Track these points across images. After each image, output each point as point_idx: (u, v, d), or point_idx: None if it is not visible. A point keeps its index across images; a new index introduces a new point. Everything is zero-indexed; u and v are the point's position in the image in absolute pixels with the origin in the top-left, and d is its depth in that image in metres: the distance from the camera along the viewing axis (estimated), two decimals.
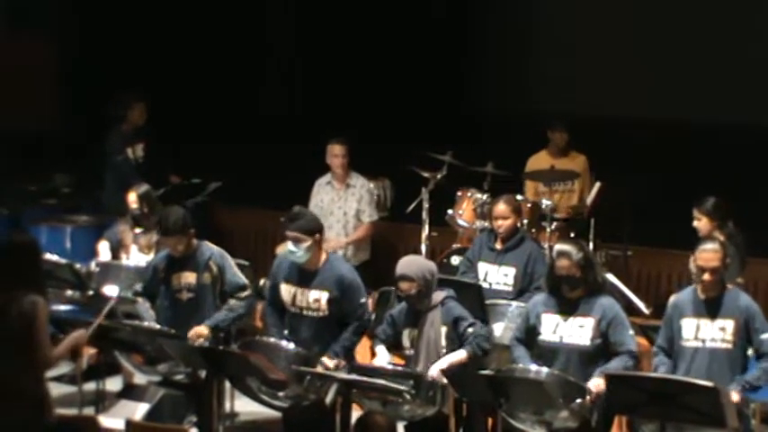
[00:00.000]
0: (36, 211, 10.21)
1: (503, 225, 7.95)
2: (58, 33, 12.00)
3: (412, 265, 6.96)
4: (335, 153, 9.38)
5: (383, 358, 6.96)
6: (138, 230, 8.54)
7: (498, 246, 7.98)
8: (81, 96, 11.34)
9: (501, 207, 7.99)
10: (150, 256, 8.28)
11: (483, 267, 7.98)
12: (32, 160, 11.24)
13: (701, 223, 7.74)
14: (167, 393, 7.26)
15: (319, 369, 6.92)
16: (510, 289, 7.88)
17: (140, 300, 7.51)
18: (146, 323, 7.34)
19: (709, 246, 6.55)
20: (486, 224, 8.64)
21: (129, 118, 10.06)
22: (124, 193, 8.97)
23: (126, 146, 10.00)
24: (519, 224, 8.09)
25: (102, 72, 11.43)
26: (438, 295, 6.92)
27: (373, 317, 7.83)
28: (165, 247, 7.70)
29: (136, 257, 8.47)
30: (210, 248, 7.52)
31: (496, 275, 7.94)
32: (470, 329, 6.82)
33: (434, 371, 6.69)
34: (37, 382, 5.96)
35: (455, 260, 8.68)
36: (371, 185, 9.59)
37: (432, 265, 7.04)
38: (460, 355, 6.79)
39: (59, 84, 12.06)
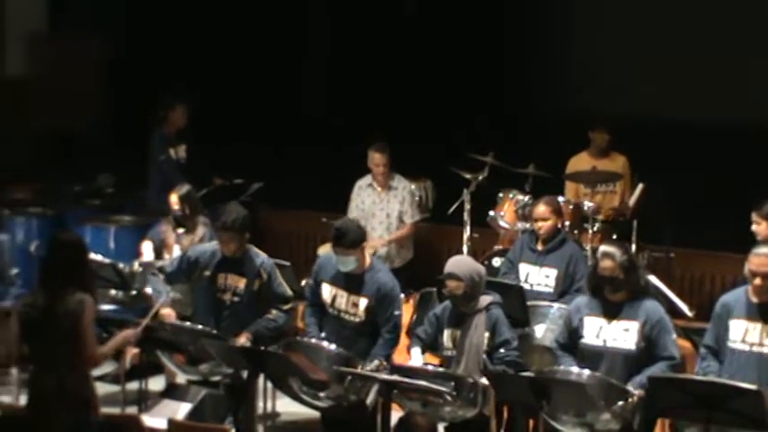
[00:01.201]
0: (80, 212, 10.28)
1: (543, 226, 7.94)
2: (104, 32, 12.09)
3: (461, 264, 6.96)
4: (375, 162, 9.43)
5: (416, 362, 6.95)
6: (180, 231, 8.59)
7: (539, 247, 7.97)
8: (126, 96, 11.40)
9: (541, 208, 7.98)
10: None
11: (524, 268, 7.97)
12: (77, 160, 11.32)
13: (761, 227, 7.59)
14: (209, 393, 7.30)
15: (360, 369, 6.93)
16: (551, 290, 7.86)
17: (158, 275, 7.52)
18: (163, 303, 7.33)
19: (763, 250, 6.44)
20: (528, 225, 8.62)
21: (170, 119, 10.12)
22: (167, 193, 9.02)
23: (168, 147, 10.06)
24: (560, 225, 8.06)
25: (147, 72, 11.50)
26: (484, 299, 6.90)
27: (414, 317, 7.84)
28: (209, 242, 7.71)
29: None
30: (259, 255, 7.52)
31: (537, 276, 7.92)
32: (502, 350, 6.78)
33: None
34: (83, 380, 6.01)
35: (496, 262, 8.67)
36: (413, 186, 9.60)
37: (480, 268, 7.03)
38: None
39: (105, 83, 12.15)
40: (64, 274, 6.04)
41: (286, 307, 7.49)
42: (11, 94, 12.00)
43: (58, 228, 9.77)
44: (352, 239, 7.13)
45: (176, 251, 8.52)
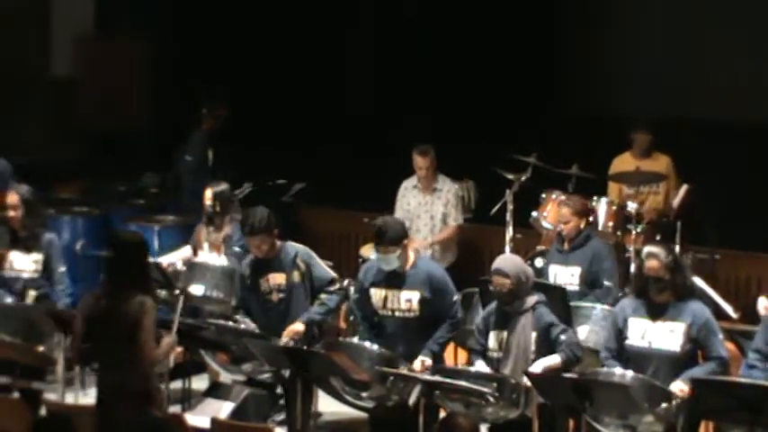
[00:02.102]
0: (124, 211, 10.35)
1: (565, 228, 8.05)
2: (149, 32, 12.17)
3: (509, 262, 6.98)
4: (419, 165, 9.43)
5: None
6: (210, 229, 8.63)
7: (565, 247, 8.04)
8: (171, 96, 11.47)
9: (563, 210, 8.13)
10: (219, 256, 8.36)
11: (553, 269, 8.06)
12: (123, 160, 11.41)
13: None
14: (252, 392, 7.33)
15: (402, 370, 6.93)
16: (577, 288, 7.91)
17: (239, 316, 7.52)
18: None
19: None
20: None
21: (207, 120, 10.19)
22: (200, 193, 9.10)
23: (204, 147, 10.12)
24: (583, 225, 8.11)
25: (192, 71, 11.56)
26: (530, 300, 6.90)
27: None
28: (243, 247, 7.73)
29: (207, 255, 8.54)
30: (295, 247, 7.55)
31: (564, 276, 7.98)
32: (563, 336, 6.79)
33: (533, 371, 6.65)
34: (144, 378, 6.06)
35: (539, 262, 8.65)
36: (457, 187, 9.59)
37: (528, 269, 7.05)
38: (554, 359, 6.76)
39: (151, 83, 12.23)
40: (124, 273, 6.09)
41: (333, 288, 7.50)
42: (58, 94, 12.12)
43: (105, 227, 9.89)
44: (392, 237, 7.14)
45: (206, 249, 8.56)
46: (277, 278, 7.47)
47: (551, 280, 7.92)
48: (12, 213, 7.86)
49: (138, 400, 6.06)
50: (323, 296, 7.46)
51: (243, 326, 7.42)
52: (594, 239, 8.14)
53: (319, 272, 7.50)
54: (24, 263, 7.89)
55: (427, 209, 9.44)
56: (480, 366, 6.92)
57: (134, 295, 6.02)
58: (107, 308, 6.09)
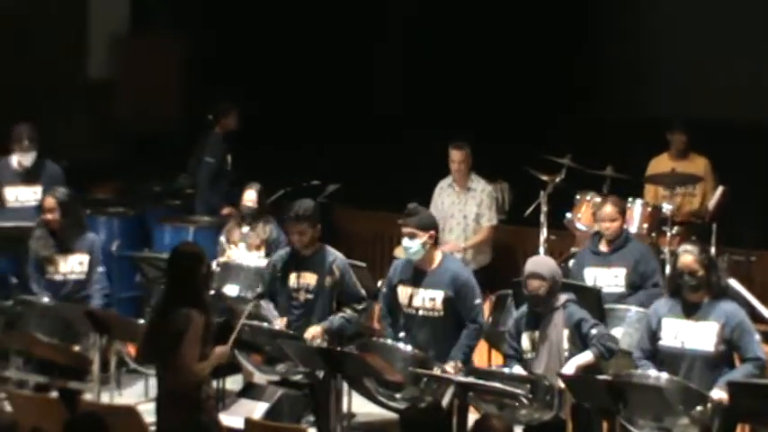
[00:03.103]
0: (160, 212, 10.41)
1: (610, 227, 7.91)
2: (185, 34, 12.24)
3: (543, 264, 6.96)
4: (453, 159, 9.40)
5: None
6: (245, 228, 8.65)
7: (604, 248, 7.94)
8: (206, 97, 11.52)
9: (609, 209, 7.95)
10: (258, 255, 8.38)
11: (591, 272, 7.92)
12: (158, 160, 11.48)
13: None
14: (286, 393, 7.35)
15: (436, 371, 6.93)
16: (622, 290, 7.82)
17: (263, 302, 7.59)
18: (272, 324, 7.40)
19: None
20: None
21: (223, 122, 10.23)
22: (214, 194, 9.06)
23: (222, 149, 10.16)
24: (624, 226, 8.03)
25: (226, 71, 11.61)
26: (560, 298, 6.89)
27: (490, 320, 7.83)
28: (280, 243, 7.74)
29: (242, 255, 8.56)
30: (334, 253, 7.54)
31: (606, 278, 7.88)
32: (594, 330, 6.77)
33: (566, 371, 6.64)
34: (192, 386, 6.12)
35: (573, 264, 8.62)
36: (492, 188, 9.57)
37: (558, 268, 7.03)
38: (587, 356, 6.74)
39: (187, 83, 12.29)
40: (176, 283, 6.19)
41: (360, 307, 7.50)
42: (94, 96, 12.20)
43: (142, 227, 9.96)
44: (420, 219, 7.14)
45: (242, 248, 8.57)
46: (308, 278, 7.47)
47: (590, 283, 7.80)
48: (49, 216, 7.91)
49: (186, 405, 6.13)
50: (348, 311, 7.44)
51: (266, 312, 7.45)
52: (634, 240, 8.03)
53: (351, 286, 7.49)
54: (70, 265, 7.93)
55: (460, 208, 9.42)
56: (517, 370, 6.91)
57: (182, 306, 6.08)
58: (158, 316, 6.21)
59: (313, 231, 7.43)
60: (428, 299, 7.18)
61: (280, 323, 7.40)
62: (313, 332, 7.31)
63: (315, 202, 7.58)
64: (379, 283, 8.06)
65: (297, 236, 7.44)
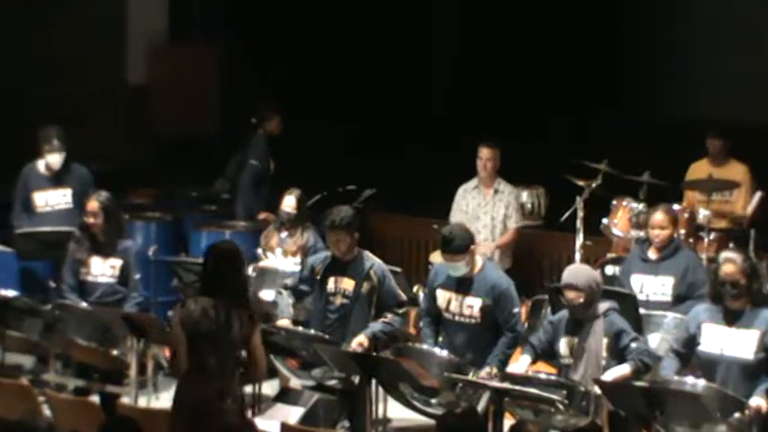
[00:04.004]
0: (197, 217, 10.46)
1: (660, 235, 7.85)
2: (222, 40, 12.30)
3: (579, 274, 6.92)
4: (481, 156, 9.35)
5: (521, 366, 6.91)
6: (284, 234, 8.67)
7: (653, 256, 7.87)
8: (242, 102, 11.58)
9: (660, 217, 7.88)
10: (294, 261, 8.40)
11: (638, 279, 7.87)
12: (195, 166, 11.54)
13: None
14: (322, 398, 7.36)
15: (471, 377, 6.93)
16: (668, 299, 7.76)
17: (284, 293, 7.62)
18: (283, 318, 7.42)
19: None
20: (642, 234, 8.52)
21: (266, 126, 10.27)
22: (256, 198, 9.03)
23: (266, 153, 10.20)
24: (675, 234, 7.96)
25: (265, 78, 11.66)
26: (601, 306, 6.86)
27: (526, 326, 7.81)
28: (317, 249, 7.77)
29: (279, 260, 8.59)
30: (372, 259, 7.55)
31: (653, 286, 7.83)
32: (634, 344, 6.74)
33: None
34: (239, 387, 6.17)
35: (609, 270, 8.59)
36: (519, 192, 9.55)
37: (597, 275, 7.02)
38: (624, 369, 6.72)
39: (222, 89, 12.36)
40: (216, 283, 6.14)
41: (401, 311, 7.51)
42: (133, 101, 12.29)
43: (179, 232, 10.00)
44: (459, 245, 7.14)
45: (278, 254, 8.59)
46: (346, 283, 7.49)
47: (636, 290, 7.75)
48: (92, 220, 7.97)
49: (237, 407, 6.18)
50: (389, 315, 7.44)
51: (280, 301, 7.52)
52: (684, 249, 7.95)
53: (390, 290, 7.48)
54: (103, 268, 8.00)
55: (487, 210, 9.37)
56: (523, 361, 6.90)
57: (238, 307, 6.08)
58: (217, 320, 6.10)
59: (351, 239, 7.45)
60: (466, 305, 7.18)
61: (286, 321, 7.44)
62: (359, 341, 7.32)
63: (353, 211, 7.60)
64: (415, 289, 8.07)
65: (334, 244, 7.47)
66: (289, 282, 7.73)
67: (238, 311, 6.11)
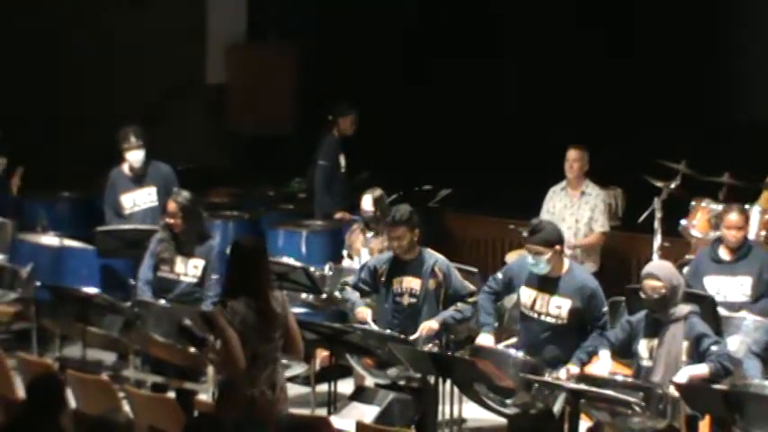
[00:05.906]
0: (274, 216, 10.53)
1: (737, 235, 7.80)
2: (299, 40, 12.38)
3: (661, 267, 6.91)
4: (568, 157, 9.31)
5: (605, 365, 6.87)
6: (369, 234, 8.69)
7: (727, 257, 7.82)
8: (319, 102, 11.66)
9: (736, 217, 7.84)
10: None
11: (713, 281, 7.81)
12: (272, 165, 11.61)
13: None
14: (397, 397, 7.38)
15: (547, 377, 6.90)
16: (747, 299, 7.71)
17: (348, 289, 7.66)
18: (360, 308, 7.47)
19: None
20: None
21: (339, 126, 10.29)
22: (328, 197, 9.01)
23: (335, 153, 10.23)
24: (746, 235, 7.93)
25: (339, 78, 11.71)
26: (683, 309, 6.80)
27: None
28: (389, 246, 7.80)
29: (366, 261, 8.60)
30: (434, 255, 7.57)
31: (732, 286, 7.77)
32: (714, 347, 6.67)
33: (678, 380, 6.56)
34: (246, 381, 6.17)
35: (687, 271, 8.49)
36: (605, 194, 9.47)
37: (680, 276, 6.94)
38: (702, 369, 6.65)
39: (299, 89, 12.43)
40: (238, 277, 6.17)
41: (471, 300, 7.52)
42: (212, 102, 12.42)
43: (257, 231, 10.07)
44: (544, 237, 7.09)
45: (364, 254, 8.62)
46: (411, 282, 7.51)
47: (713, 291, 7.69)
48: (171, 221, 8.04)
49: (285, 396, 6.23)
50: (459, 305, 7.49)
51: (348, 296, 7.60)
52: (756, 248, 7.90)
53: (457, 284, 7.52)
54: (186, 268, 8.08)
55: (572, 212, 9.32)
56: (604, 356, 6.86)
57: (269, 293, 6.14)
58: (259, 309, 6.14)
59: (411, 236, 7.47)
60: (554, 306, 7.13)
61: (361, 312, 7.48)
62: (429, 326, 7.35)
63: (411, 207, 7.61)
64: None
65: (395, 241, 7.50)
66: (350, 280, 7.76)
67: (274, 295, 6.16)
